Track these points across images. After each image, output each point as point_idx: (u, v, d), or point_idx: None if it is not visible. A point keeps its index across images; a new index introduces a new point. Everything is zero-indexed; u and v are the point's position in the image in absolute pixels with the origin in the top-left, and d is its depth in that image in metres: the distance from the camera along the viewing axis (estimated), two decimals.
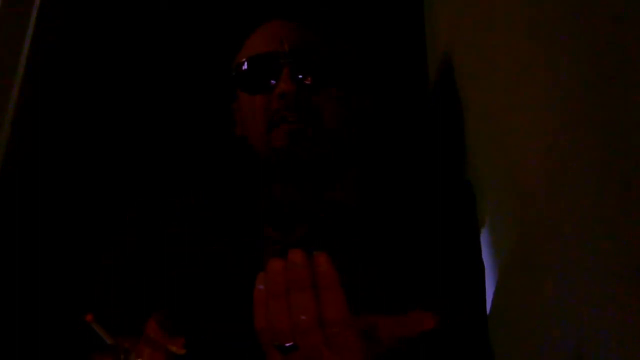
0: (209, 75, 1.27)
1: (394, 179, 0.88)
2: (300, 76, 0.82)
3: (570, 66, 0.50)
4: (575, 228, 0.50)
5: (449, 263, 0.76)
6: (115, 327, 0.62)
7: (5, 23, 1.12)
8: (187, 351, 0.62)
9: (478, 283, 0.76)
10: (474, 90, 0.88)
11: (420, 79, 1.24)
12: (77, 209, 1.15)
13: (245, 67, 0.85)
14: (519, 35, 0.65)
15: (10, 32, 1.12)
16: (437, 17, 1.20)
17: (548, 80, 0.56)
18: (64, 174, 1.16)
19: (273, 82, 0.82)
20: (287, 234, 0.81)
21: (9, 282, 1.03)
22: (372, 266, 0.75)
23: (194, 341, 0.63)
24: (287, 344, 0.53)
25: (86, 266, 1.09)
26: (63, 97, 1.21)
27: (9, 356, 1.00)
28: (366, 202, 0.83)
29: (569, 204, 0.51)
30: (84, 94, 1.24)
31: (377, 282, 0.73)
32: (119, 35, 1.30)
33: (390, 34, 1.28)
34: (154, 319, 0.64)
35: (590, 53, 0.46)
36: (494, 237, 0.75)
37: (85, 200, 1.16)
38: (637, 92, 0.39)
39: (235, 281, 0.72)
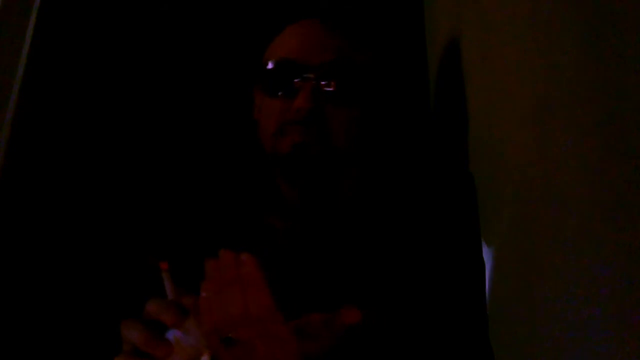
0: (210, 70, 1.27)
1: (396, 176, 0.88)
2: (321, 93, 0.81)
3: (570, 66, 0.50)
4: (574, 228, 0.50)
5: (449, 262, 0.76)
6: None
7: (5, 23, 1.12)
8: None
9: (478, 282, 0.76)
10: (474, 89, 0.88)
11: (420, 79, 1.24)
12: (77, 209, 1.15)
13: (270, 67, 0.85)
14: (519, 35, 0.65)
15: (10, 32, 1.12)
16: (437, 17, 1.20)
17: (548, 79, 0.56)
18: (64, 174, 1.16)
19: (294, 92, 0.82)
20: (290, 226, 0.82)
21: (9, 282, 1.03)
22: (374, 262, 0.75)
23: None
24: (225, 337, 0.57)
25: (86, 266, 1.09)
26: (63, 97, 1.21)
27: (9, 356, 1.00)
28: (369, 198, 0.84)
29: (569, 203, 0.51)
30: (84, 93, 1.24)
31: (378, 277, 0.74)
32: (119, 35, 1.30)
33: (390, 34, 1.28)
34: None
35: (590, 53, 0.47)
36: (494, 236, 0.75)
37: (85, 200, 1.16)
38: (637, 92, 0.39)
39: None
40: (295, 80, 0.82)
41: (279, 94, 0.83)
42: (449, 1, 1.09)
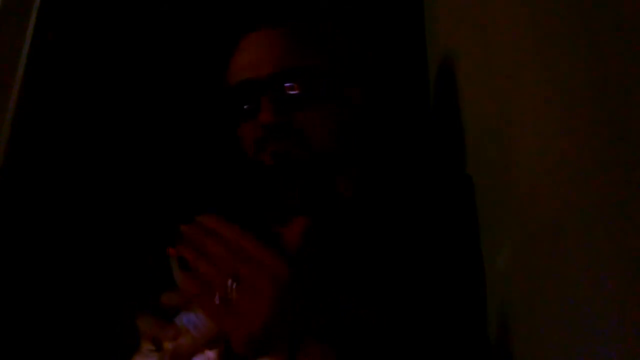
0: (207, 74, 1.27)
1: (395, 176, 0.88)
2: (283, 102, 0.80)
3: (570, 66, 0.50)
4: (575, 228, 0.50)
5: (448, 261, 0.76)
6: None
7: (5, 23, 1.12)
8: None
9: (477, 281, 0.76)
10: (474, 89, 0.88)
11: (420, 79, 1.24)
12: (77, 209, 1.15)
13: (227, 95, 0.85)
14: (519, 35, 0.65)
15: (10, 32, 1.12)
16: (437, 17, 1.20)
17: (548, 79, 0.56)
18: (64, 174, 1.16)
19: (256, 110, 0.81)
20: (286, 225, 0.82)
21: (9, 282, 1.03)
22: (371, 260, 0.75)
23: None
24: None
25: (88, 264, 1.09)
26: (63, 97, 1.21)
27: (9, 356, 1.00)
28: (366, 197, 0.84)
29: (569, 203, 0.51)
30: (84, 93, 1.24)
31: (376, 276, 0.74)
32: (119, 34, 1.30)
33: (390, 34, 1.28)
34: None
35: (590, 53, 0.47)
36: (494, 236, 0.75)
37: (85, 200, 1.16)
38: (637, 92, 0.39)
39: None
40: (253, 97, 0.81)
41: (242, 118, 0.83)
42: (449, 1, 1.09)
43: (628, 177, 0.41)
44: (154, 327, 0.62)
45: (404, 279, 0.73)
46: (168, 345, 0.61)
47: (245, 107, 0.83)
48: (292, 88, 0.81)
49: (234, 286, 0.58)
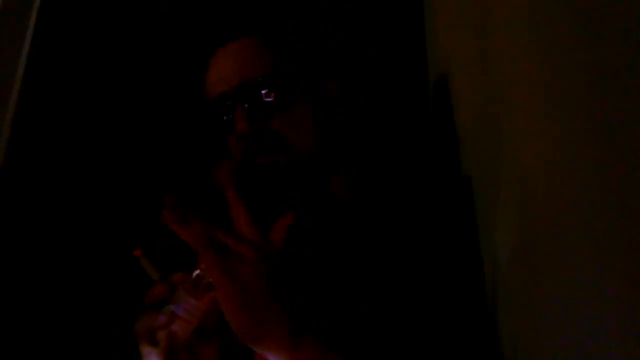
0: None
1: (394, 176, 0.88)
2: (256, 109, 0.80)
3: (570, 66, 0.50)
4: (575, 227, 0.50)
5: (447, 261, 0.76)
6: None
7: (5, 23, 1.12)
8: None
9: (477, 281, 0.76)
10: (474, 89, 0.88)
11: (420, 79, 1.24)
12: (77, 209, 1.15)
13: (204, 112, 0.86)
14: (519, 35, 0.65)
15: (10, 32, 1.12)
16: (437, 17, 1.20)
17: (548, 79, 0.56)
18: (64, 174, 1.16)
19: (231, 123, 0.82)
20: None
21: (9, 282, 1.03)
22: (371, 260, 0.75)
23: None
24: None
25: (88, 265, 1.09)
26: (63, 96, 1.21)
27: (9, 356, 1.00)
28: (365, 197, 0.84)
29: (569, 203, 0.51)
30: (84, 93, 1.24)
31: (375, 276, 0.74)
32: (119, 35, 1.30)
33: (390, 34, 1.28)
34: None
35: (590, 53, 0.46)
36: (493, 236, 0.75)
37: (85, 199, 1.16)
38: (637, 92, 0.39)
39: None
40: (229, 110, 0.82)
41: (222, 133, 0.84)
42: (449, 1, 1.09)
43: (628, 177, 0.41)
44: (147, 321, 0.63)
45: (404, 279, 0.73)
46: (162, 335, 0.62)
47: (224, 119, 0.83)
48: (267, 95, 0.80)
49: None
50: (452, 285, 0.74)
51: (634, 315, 0.40)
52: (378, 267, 0.75)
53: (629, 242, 0.40)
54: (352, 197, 0.84)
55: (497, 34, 0.75)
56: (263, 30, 0.85)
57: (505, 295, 0.70)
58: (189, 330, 0.63)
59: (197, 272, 0.63)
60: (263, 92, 0.80)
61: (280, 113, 0.81)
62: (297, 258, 0.71)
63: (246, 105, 0.80)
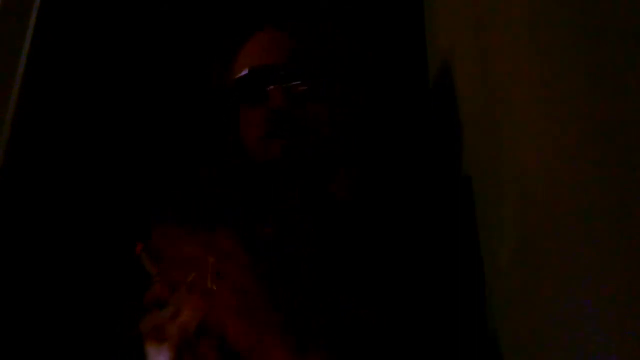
0: (206, 77, 1.27)
1: (395, 176, 0.88)
2: (293, 88, 0.81)
3: (570, 65, 0.50)
4: (575, 227, 0.50)
5: (447, 261, 0.76)
6: None
7: (5, 23, 1.12)
8: None
9: (477, 281, 0.76)
10: (473, 89, 0.88)
11: (420, 79, 1.24)
12: (77, 209, 1.15)
13: (239, 80, 0.85)
14: (519, 35, 0.65)
15: (10, 32, 1.12)
16: (437, 17, 1.20)
17: (547, 79, 0.56)
18: (64, 174, 1.16)
19: (266, 96, 0.82)
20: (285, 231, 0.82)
21: (8, 282, 1.03)
22: (371, 260, 0.75)
23: None
24: None
25: (88, 265, 1.09)
26: (63, 96, 1.21)
27: (9, 356, 1.00)
28: (365, 197, 0.84)
29: (569, 203, 0.51)
30: (84, 93, 1.24)
31: (375, 276, 0.74)
32: (119, 35, 1.30)
33: (390, 34, 1.28)
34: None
35: (590, 53, 0.46)
36: (494, 236, 0.75)
37: (85, 199, 1.16)
38: (637, 92, 0.39)
39: None
40: (263, 85, 0.82)
41: (253, 103, 0.84)
42: (449, 1, 1.09)
43: (628, 177, 0.41)
44: (151, 319, 0.63)
45: (404, 279, 0.73)
46: (172, 329, 0.61)
47: (256, 96, 0.83)
48: (300, 84, 0.81)
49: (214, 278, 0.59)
50: (452, 285, 0.74)
51: (634, 315, 0.40)
52: (378, 267, 0.75)
53: (629, 242, 0.40)
54: (352, 197, 0.84)
55: (497, 34, 0.75)
56: (296, 23, 0.87)
57: (505, 295, 0.70)
58: (197, 317, 0.62)
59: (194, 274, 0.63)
60: (300, 81, 0.81)
61: (311, 104, 0.82)
62: (297, 258, 0.71)
63: (284, 84, 0.81)
